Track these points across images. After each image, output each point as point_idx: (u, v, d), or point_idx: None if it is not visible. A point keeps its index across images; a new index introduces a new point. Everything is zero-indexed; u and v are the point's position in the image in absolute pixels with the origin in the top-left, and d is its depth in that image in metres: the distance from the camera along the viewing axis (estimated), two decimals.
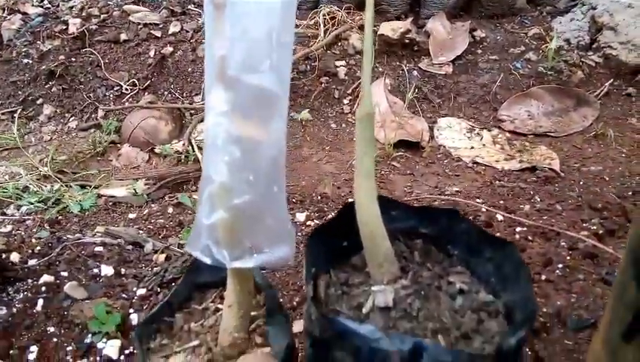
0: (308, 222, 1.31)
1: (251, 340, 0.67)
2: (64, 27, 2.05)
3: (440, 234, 0.67)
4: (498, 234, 1.17)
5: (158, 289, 1.01)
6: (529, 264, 1.08)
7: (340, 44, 2.03)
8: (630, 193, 1.39)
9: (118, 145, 1.82)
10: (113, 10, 2.11)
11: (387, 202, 0.66)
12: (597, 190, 1.42)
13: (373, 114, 0.55)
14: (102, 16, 2.08)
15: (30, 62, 1.99)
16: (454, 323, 0.58)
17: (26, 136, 1.88)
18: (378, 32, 1.98)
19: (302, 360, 0.70)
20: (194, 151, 1.69)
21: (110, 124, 1.85)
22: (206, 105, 0.54)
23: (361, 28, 2.04)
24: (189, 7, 2.17)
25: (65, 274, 1.03)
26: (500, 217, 1.28)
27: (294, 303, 1.01)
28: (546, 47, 1.96)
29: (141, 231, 1.26)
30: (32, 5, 2.14)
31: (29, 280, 1.00)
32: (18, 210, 1.45)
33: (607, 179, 1.48)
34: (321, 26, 2.01)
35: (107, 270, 1.05)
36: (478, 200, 1.39)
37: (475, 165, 1.61)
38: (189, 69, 1.98)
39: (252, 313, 0.69)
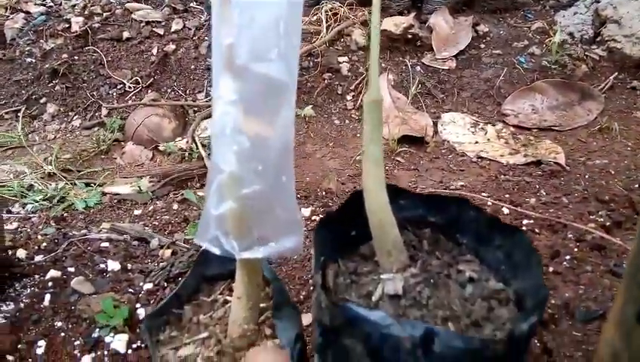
0: (313, 217, 1.30)
1: (261, 332, 0.67)
2: (67, 26, 2.05)
3: (449, 222, 0.67)
4: None
5: (165, 283, 1.01)
6: None
7: (342, 40, 2.03)
8: (636, 186, 1.38)
9: (122, 143, 1.83)
10: (115, 8, 2.11)
11: (395, 191, 0.66)
12: (603, 183, 1.41)
13: (380, 100, 0.55)
14: (104, 14, 2.08)
15: (33, 61, 2.00)
16: (464, 310, 0.57)
17: (30, 135, 1.89)
18: (381, 28, 1.98)
19: (310, 352, 0.70)
20: (198, 149, 1.69)
21: (114, 122, 1.85)
22: (213, 95, 0.54)
23: (364, 24, 2.04)
24: (191, 4, 2.17)
25: (71, 269, 1.03)
26: (506, 210, 1.28)
27: (301, 297, 1.01)
28: (550, 41, 1.96)
29: (147, 228, 1.26)
30: (35, 4, 2.14)
31: (36, 276, 1.00)
32: (23, 208, 1.45)
33: (612, 172, 1.48)
34: (324, 22, 2.01)
35: (114, 265, 1.05)
36: (483, 194, 1.39)
37: (479, 160, 1.61)
38: (192, 67, 1.98)
39: (261, 305, 0.69)
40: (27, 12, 2.12)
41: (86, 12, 2.09)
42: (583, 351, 0.88)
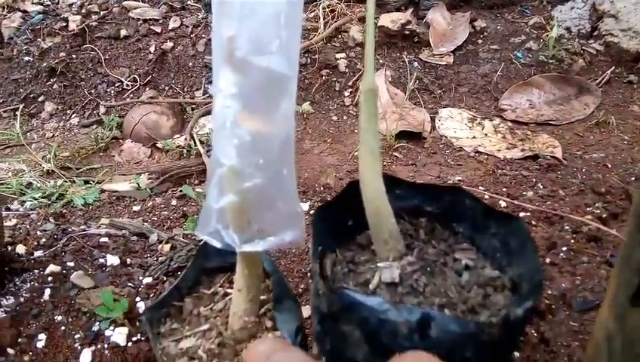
0: (311, 212, 1.31)
1: (261, 324, 0.68)
2: (64, 24, 2.05)
3: (445, 211, 0.67)
4: None
5: (164, 277, 1.01)
6: None
7: (339, 36, 2.04)
8: (633, 179, 1.39)
9: (120, 140, 1.83)
10: (113, 6, 2.11)
11: (392, 181, 0.66)
12: (599, 176, 1.42)
13: (376, 89, 0.55)
14: (101, 12, 2.08)
15: (31, 59, 2.00)
16: (461, 297, 0.58)
17: (29, 134, 1.89)
18: (378, 24, 1.98)
19: (310, 343, 0.70)
20: (196, 146, 1.70)
21: (112, 120, 1.85)
22: (214, 88, 0.54)
23: (361, 20, 2.04)
24: (189, 2, 2.17)
25: (71, 264, 1.03)
26: (503, 203, 1.29)
27: (300, 290, 1.01)
28: (547, 35, 1.96)
29: (145, 223, 1.27)
30: (32, 3, 2.14)
31: (36, 271, 1.00)
32: (22, 205, 1.45)
33: (609, 166, 1.48)
34: (321, 18, 2.02)
35: (113, 260, 1.06)
36: (480, 188, 1.39)
37: (477, 154, 1.61)
38: (190, 64, 1.98)
39: (261, 297, 0.70)
40: (24, 11, 2.13)
41: (83, 10, 2.10)
42: (580, 340, 0.88)
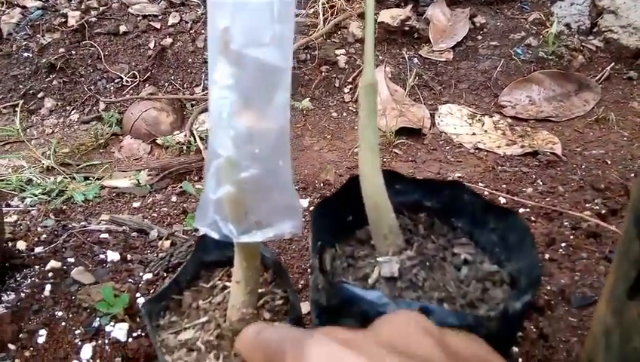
0: (311, 208, 1.31)
1: (260, 316, 0.68)
2: (63, 20, 2.05)
3: (444, 206, 0.67)
4: None
5: (165, 273, 1.02)
6: None
7: (339, 32, 2.03)
8: (632, 175, 1.39)
9: (120, 137, 1.83)
10: (112, 2, 2.10)
11: (391, 176, 0.67)
12: (599, 172, 1.42)
13: (375, 84, 0.56)
14: (101, 8, 2.08)
15: (30, 55, 1.99)
16: (460, 292, 0.58)
17: (28, 130, 1.89)
18: (378, 20, 1.98)
19: None
20: (196, 142, 1.70)
21: (111, 116, 1.85)
22: (209, 80, 0.54)
23: (361, 16, 2.04)
24: None
25: (71, 260, 1.04)
26: (502, 200, 1.29)
27: (299, 286, 1.01)
28: (547, 32, 1.96)
29: (146, 219, 1.27)
30: None
31: (36, 267, 1.01)
32: (22, 201, 1.46)
33: (609, 162, 1.49)
34: (321, 14, 2.01)
35: (113, 256, 1.06)
36: (480, 184, 1.40)
37: (476, 151, 1.61)
38: (189, 60, 1.98)
39: (260, 290, 0.70)
40: (23, 7, 2.12)
41: (82, 6, 2.09)
42: (579, 335, 0.89)
